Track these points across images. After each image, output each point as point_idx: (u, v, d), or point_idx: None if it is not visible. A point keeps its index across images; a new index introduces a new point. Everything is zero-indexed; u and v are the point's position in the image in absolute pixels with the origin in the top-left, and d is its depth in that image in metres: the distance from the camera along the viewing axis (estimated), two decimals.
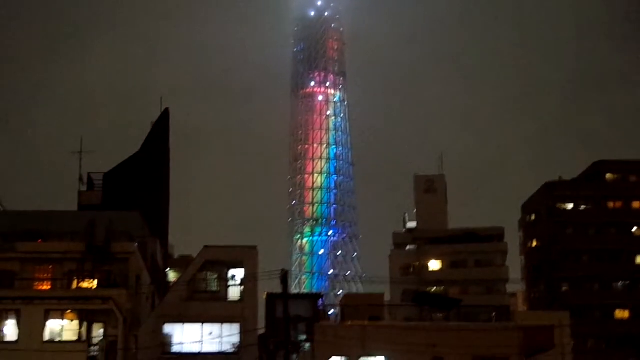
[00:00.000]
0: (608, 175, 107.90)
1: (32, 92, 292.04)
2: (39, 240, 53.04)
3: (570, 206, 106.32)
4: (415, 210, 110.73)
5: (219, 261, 50.91)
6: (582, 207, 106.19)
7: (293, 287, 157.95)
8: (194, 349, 48.68)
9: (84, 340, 47.87)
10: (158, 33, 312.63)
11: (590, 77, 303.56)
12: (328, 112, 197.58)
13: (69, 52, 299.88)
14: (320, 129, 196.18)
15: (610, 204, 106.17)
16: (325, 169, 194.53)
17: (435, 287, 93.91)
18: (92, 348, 47.98)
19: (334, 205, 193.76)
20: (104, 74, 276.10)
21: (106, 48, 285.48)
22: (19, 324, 47.89)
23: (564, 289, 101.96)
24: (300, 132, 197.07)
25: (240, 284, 50.31)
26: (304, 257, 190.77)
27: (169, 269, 66.78)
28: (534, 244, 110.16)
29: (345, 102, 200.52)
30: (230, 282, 50.56)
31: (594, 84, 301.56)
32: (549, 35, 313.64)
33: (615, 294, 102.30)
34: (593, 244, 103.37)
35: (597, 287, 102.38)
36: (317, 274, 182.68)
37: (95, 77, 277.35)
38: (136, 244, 53.66)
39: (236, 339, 49.06)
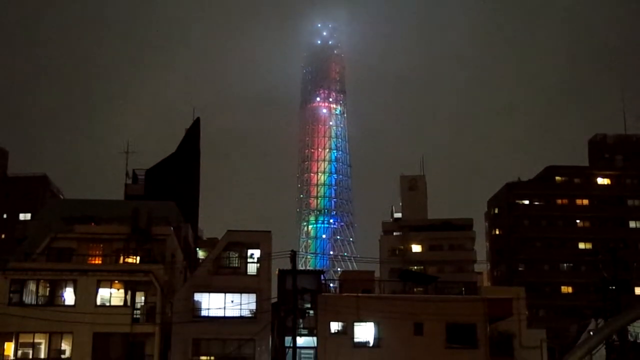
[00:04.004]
0: (557, 178, 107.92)
1: (105, 98, 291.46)
2: (93, 224, 52.70)
3: (526, 202, 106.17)
4: (400, 204, 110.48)
5: (239, 243, 50.34)
6: (536, 203, 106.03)
7: (300, 264, 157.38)
8: (219, 314, 48.22)
9: (128, 306, 47.53)
10: (204, 58, 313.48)
11: (556, 98, 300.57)
12: (330, 123, 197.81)
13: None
14: (324, 136, 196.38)
15: (559, 201, 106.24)
16: (327, 169, 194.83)
17: (416, 266, 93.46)
18: (135, 312, 47.66)
19: (334, 199, 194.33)
20: (156, 91, 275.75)
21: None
22: (75, 291, 47.46)
23: (520, 268, 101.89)
24: (307, 138, 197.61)
25: (257, 262, 49.73)
26: (310, 241, 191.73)
27: (198, 248, 66.21)
28: (497, 232, 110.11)
29: (345, 114, 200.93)
30: (249, 260, 49.98)
31: (554, 106, 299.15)
32: (531, 59, 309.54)
33: (562, 273, 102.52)
34: (544, 233, 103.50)
35: (547, 267, 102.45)
36: (320, 255, 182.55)
37: (146, 92, 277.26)
38: (172, 228, 53.24)
39: (253, 306, 48.56)
